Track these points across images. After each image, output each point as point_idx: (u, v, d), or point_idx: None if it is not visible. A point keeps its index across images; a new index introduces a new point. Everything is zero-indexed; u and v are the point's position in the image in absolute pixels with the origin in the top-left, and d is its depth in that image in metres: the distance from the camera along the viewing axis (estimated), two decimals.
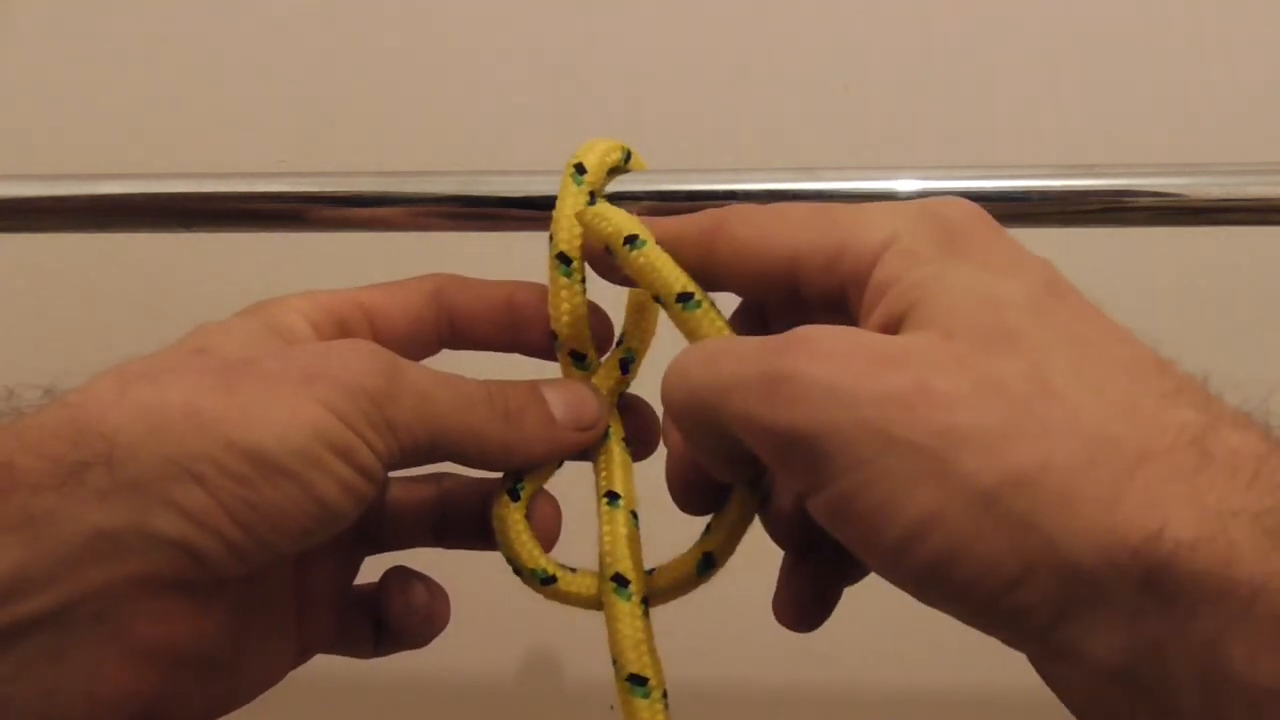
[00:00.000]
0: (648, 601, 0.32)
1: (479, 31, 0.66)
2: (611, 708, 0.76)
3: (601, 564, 0.32)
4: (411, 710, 0.76)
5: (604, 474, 0.33)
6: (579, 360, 0.34)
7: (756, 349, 0.24)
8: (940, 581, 0.22)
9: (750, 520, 0.32)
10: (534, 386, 0.32)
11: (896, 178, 0.33)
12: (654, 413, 0.35)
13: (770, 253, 0.27)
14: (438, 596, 0.35)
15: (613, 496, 0.33)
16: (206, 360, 0.28)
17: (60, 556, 0.24)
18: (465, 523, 0.35)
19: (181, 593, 0.26)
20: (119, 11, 0.66)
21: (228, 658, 0.29)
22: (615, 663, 0.32)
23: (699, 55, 0.66)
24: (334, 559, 0.34)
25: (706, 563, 0.32)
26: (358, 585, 0.35)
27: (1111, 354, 0.23)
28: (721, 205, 0.33)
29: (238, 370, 0.27)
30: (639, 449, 0.35)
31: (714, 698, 0.75)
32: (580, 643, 0.75)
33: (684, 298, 0.29)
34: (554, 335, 0.33)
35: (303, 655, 0.33)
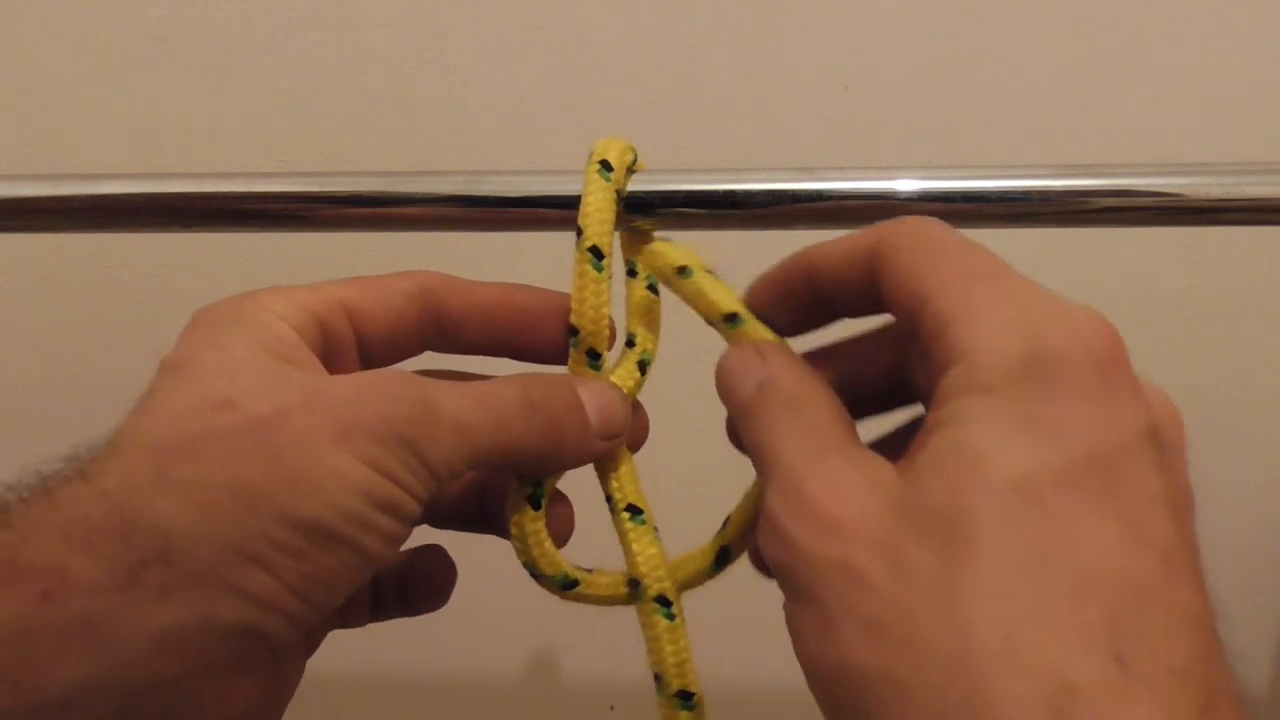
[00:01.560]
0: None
1: (479, 32, 0.66)
2: (611, 708, 0.76)
3: (639, 584, 0.32)
4: (412, 710, 0.76)
5: (616, 483, 0.33)
6: (594, 359, 0.33)
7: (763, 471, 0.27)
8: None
9: None
10: (572, 389, 0.31)
11: (896, 178, 0.33)
12: (645, 415, 0.34)
13: (910, 289, 0.26)
14: (450, 567, 0.35)
15: (635, 511, 0.33)
16: (234, 419, 0.26)
17: (126, 660, 0.24)
18: (458, 505, 0.35)
19: (239, 670, 0.26)
20: (119, 11, 0.66)
21: (277, 692, 0.29)
22: (659, 679, 0.32)
23: (699, 55, 0.66)
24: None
25: (723, 557, 0.33)
26: None
27: (1074, 567, 0.21)
28: (728, 207, 0.33)
29: (271, 430, 0.26)
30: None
31: (715, 698, 0.75)
32: (580, 643, 0.75)
33: (730, 318, 0.30)
34: (573, 332, 0.33)
35: (315, 646, 0.33)
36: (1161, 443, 0.23)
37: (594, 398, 0.31)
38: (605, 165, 0.33)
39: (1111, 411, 0.23)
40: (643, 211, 0.33)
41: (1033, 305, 0.24)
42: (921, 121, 0.66)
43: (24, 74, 0.67)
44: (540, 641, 0.74)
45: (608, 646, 0.72)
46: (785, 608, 0.25)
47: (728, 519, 0.33)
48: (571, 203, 0.33)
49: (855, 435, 0.27)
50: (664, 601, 0.32)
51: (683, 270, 0.31)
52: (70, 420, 0.68)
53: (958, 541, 0.21)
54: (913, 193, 0.33)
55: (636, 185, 0.33)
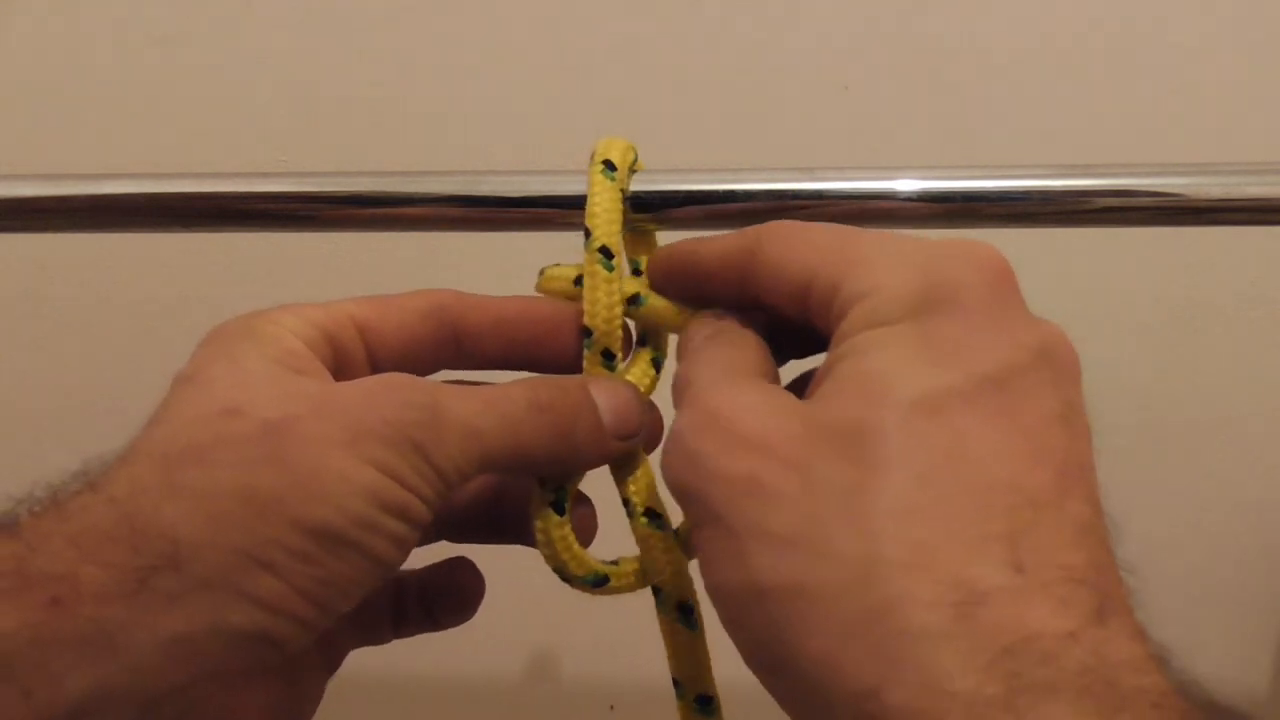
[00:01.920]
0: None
1: (479, 32, 0.66)
2: (611, 708, 0.76)
3: (659, 591, 0.33)
4: (412, 710, 0.76)
5: (634, 486, 0.33)
6: (609, 359, 0.33)
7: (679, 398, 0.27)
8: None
9: None
10: (584, 389, 0.31)
11: (896, 178, 0.33)
12: (660, 414, 0.34)
13: (790, 277, 0.27)
14: (478, 578, 0.35)
15: (654, 516, 0.32)
16: (243, 425, 0.26)
17: (137, 667, 0.24)
18: (474, 515, 0.35)
19: (251, 677, 0.26)
20: (119, 11, 0.66)
21: (296, 702, 0.29)
22: (678, 685, 0.33)
23: (699, 55, 0.66)
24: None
25: None
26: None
27: (976, 481, 0.22)
28: (723, 206, 0.33)
29: (280, 435, 0.26)
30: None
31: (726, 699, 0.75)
32: (580, 643, 0.75)
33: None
34: (587, 333, 0.32)
35: (337, 663, 0.34)
36: (1056, 365, 0.24)
37: (607, 397, 0.31)
38: (609, 165, 0.33)
39: (1008, 334, 0.24)
40: (643, 211, 0.33)
41: (920, 246, 0.25)
42: (921, 121, 0.66)
43: (24, 74, 0.67)
44: (540, 641, 0.74)
45: (608, 646, 0.72)
46: (693, 538, 0.25)
47: None
48: (570, 202, 0.33)
49: (774, 373, 0.28)
50: (685, 609, 0.32)
51: (634, 300, 0.32)
52: (70, 421, 0.68)
53: (865, 456, 0.22)
54: (913, 193, 0.33)
55: (636, 186, 0.33)
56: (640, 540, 0.32)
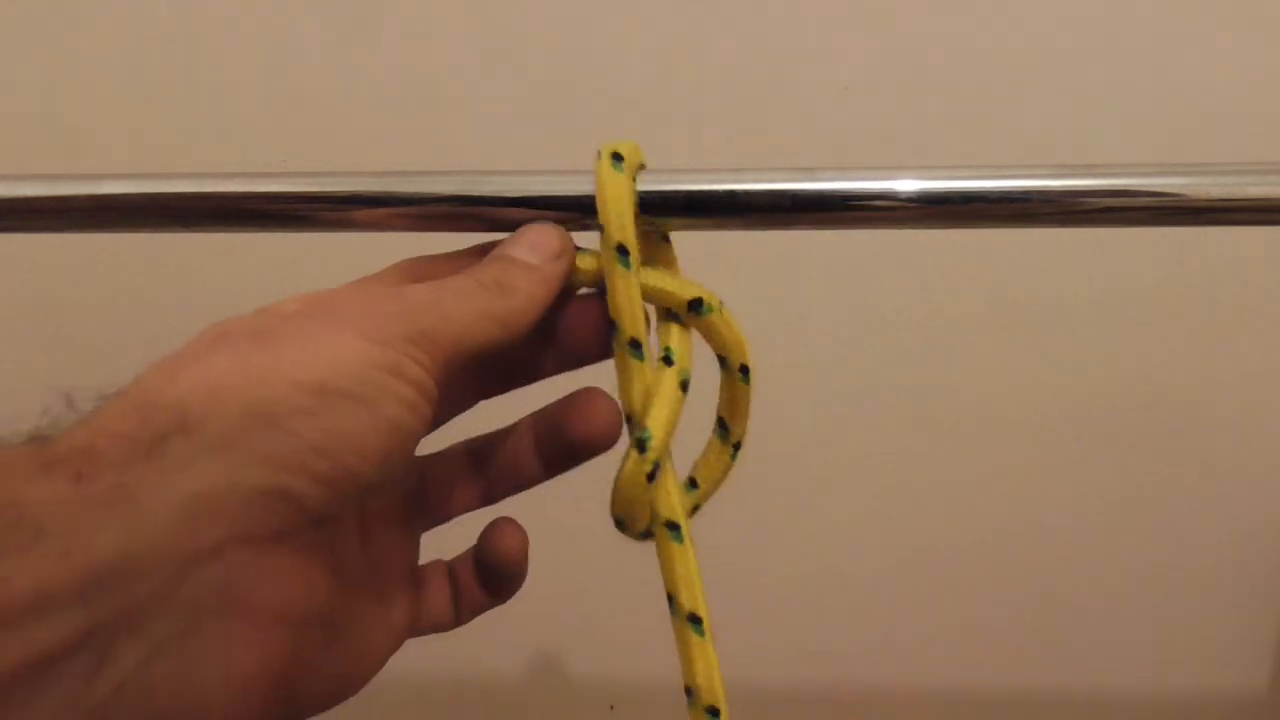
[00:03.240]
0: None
1: (480, 32, 0.66)
2: (611, 708, 0.76)
3: (691, 692, 0.33)
4: (413, 710, 0.76)
5: (685, 587, 0.34)
6: (636, 349, 0.33)
7: None
8: None
9: (744, 399, 0.35)
10: (497, 255, 0.33)
11: (897, 178, 0.33)
12: (616, 405, 0.35)
13: None
14: (520, 531, 0.36)
15: (695, 620, 0.34)
16: (234, 336, 0.28)
17: (163, 526, 0.24)
18: (506, 468, 0.36)
19: (289, 546, 0.27)
20: (119, 12, 0.66)
21: (343, 620, 0.30)
22: (672, 600, 0.34)
23: (699, 56, 0.66)
24: (397, 530, 0.35)
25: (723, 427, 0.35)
26: (433, 562, 0.37)
27: None
28: (729, 207, 0.33)
29: (269, 332, 0.28)
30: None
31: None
32: (580, 643, 0.75)
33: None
34: (612, 327, 0.33)
35: (405, 630, 0.34)
36: None
37: (520, 243, 0.33)
38: (617, 157, 0.33)
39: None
40: (645, 213, 0.33)
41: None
42: (921, 121, 0.66)
43: (24, 74, 0.68)
44: (540, 641, 0.74)
45: (608, 646, 0.72)
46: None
47: (693, 478, 0.35)
48: (571, 203, 0.33)
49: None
50: (713, 712, 0.33)
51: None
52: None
53: None
54: (913, 193, 0.33)
55: (636, 186, 0.33)
56: (680, 642, 0.34)
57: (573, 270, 0.33)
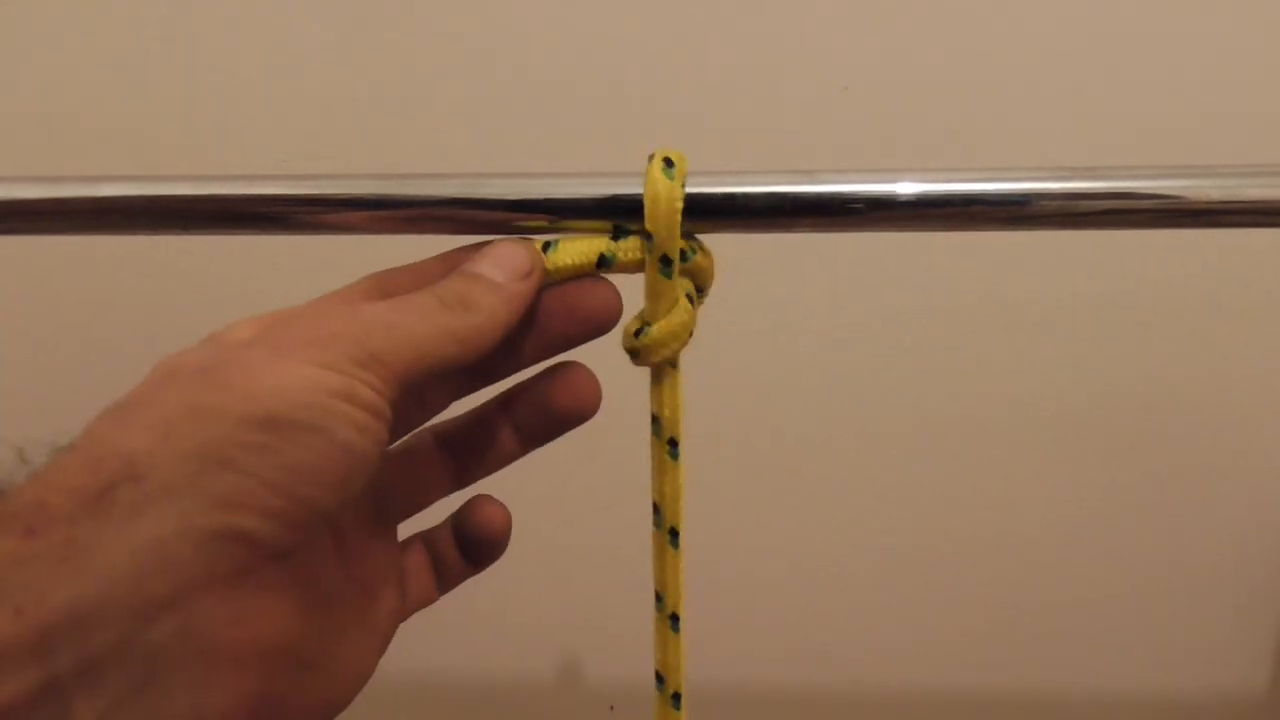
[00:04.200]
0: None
1: (481, 33, 0.66)
2: (611, 708, 0.76)
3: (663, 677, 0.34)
4: (413, 710, 0.76)
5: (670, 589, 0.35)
6: (673, 366, 0.34)
7: None
8: None
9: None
10: (462, 270, 0.32)
11: (897, 180, 0.33)
12: (596, 381, 0.35)
13: None
14: (501, 507, 0.36)
15: (676, 621, 0.35)
16: (180, 374, 0.28)
17: (115, 579, 0.24)
18: (480, 449, 0.36)
19: (251, 585, 0.26)
20: (119, 12, 0.66)
21: (315, 649, 0.29)
22: (657, 512, 0.35)
23: (699, 56, 0.66)
24: (373, 532, 0.34)
25: (603, 262, 0.33)
26: (410, 539, 0.37)
27: None
28: (729, 209, 0.33)
29: (215, 367, 0.27)
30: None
31: (717, 698, 0.75)
32: (580, 643, 0.75)
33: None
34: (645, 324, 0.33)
35: (395, 621, 0.34)
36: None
37: (486, 260, 0.32)
38: (668, 163, 0.32)
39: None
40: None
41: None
42: (921, 122, 0.66)
43: (24, 74, 0.67)
44: (540, 641, 0.74)
45: (608, 646, 0.72)
46: None
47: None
48: (572, 204, 0.33)
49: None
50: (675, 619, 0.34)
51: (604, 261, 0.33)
52: (69, 421, 0.68)
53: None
54: (913, 195, 0.33)
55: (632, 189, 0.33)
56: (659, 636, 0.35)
57: (584, 263, 0.33)
